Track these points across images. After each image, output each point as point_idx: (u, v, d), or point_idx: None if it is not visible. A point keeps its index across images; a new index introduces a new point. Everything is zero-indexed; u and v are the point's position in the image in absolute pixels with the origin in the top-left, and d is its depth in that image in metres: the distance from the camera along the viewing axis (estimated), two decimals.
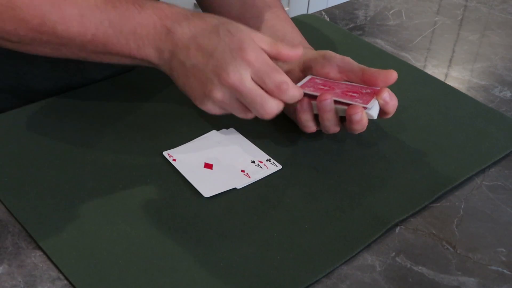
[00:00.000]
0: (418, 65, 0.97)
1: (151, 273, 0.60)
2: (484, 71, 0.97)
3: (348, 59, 0.75)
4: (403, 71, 0.93)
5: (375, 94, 0.71)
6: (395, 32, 1.06)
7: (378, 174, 0.73)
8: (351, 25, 1.07)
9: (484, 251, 0.66)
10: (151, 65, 0.72)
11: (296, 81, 0.74)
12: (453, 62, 0.99)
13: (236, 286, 0.59)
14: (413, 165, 0.75)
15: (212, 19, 0.69)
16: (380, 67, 0.74)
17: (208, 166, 0.72)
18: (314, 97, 0.71)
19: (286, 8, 2.45)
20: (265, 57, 0.67)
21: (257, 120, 0.71)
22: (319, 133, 0.77)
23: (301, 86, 0.73)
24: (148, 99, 0.83)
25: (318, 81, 0.74)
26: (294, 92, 0.68)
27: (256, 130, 0.78)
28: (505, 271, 0.64)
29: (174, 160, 0.73)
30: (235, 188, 0.70)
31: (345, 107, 0.70)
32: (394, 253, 0.65)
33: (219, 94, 0.67)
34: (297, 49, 0.70)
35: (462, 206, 0.71)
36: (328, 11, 1.11)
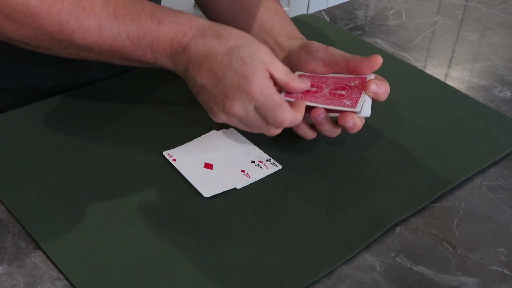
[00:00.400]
0: (418, 65, 0.97)
1: (151, 273, 0.60)
2: (484, 71, 0.97)
3: (331, 51, 0.74)
4: (403, 71, 0.93)
5: (364, 86, 0.71)
6: (395, 32, 1.06)
7: (378, 174, 0.73)
8: (351, 25, 1.07)
9: (484, 251, 0.66)
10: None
11: None
12: (453, 62, 0.99)
13: (236, 286, 0.59)
14: (413, 165, 0.75)
15: (229, 39, 0.69)
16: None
17: (208, 166, 0.72)
18: (306, 107, 0.72)
19: (286, 8, 2.45)
20: (271, 90, 0.68)
21: None
22: (319, 134, 0.77)
23: (291, 91, 0.72)
24: (149, 99, 0.83)
25: (305, 78, 0.74)
26: (293, 124, 0.71)
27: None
28: (505, 271, 0.64)
29: (174, 160, 0.73)
30: (235, 188, 0.70)
31: (337, 114, 0.71)
32: (394, 253, 0.65)
33: (224, 118, 0.70)
34: (305, 84, 0.72)
35: (462, 206, 0.71)
36: (328, 11, 1.11)
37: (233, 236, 0.64)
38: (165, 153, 0.74)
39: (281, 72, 0.70)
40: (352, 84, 0.72)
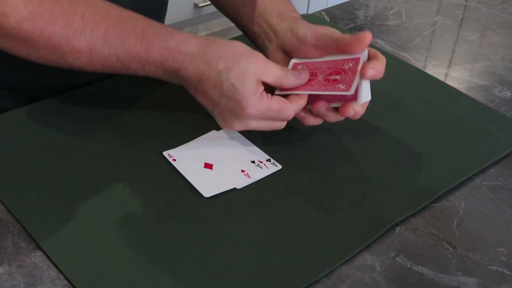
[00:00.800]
0: (418, 65, 0.97)
1: (151, 273, 0.60)
2: (484, 71, 0.97)
3: (320, 32, 0.74)
4: (403, 71, 0.93)
5: (361, 72, 0.70)
6: (395, 32, 1.06)
7: (378, 174, 0.73)
8: (351, 25, 1.07)
9: (484, 251, 0.66)
10: None
11: (280, 63, 0.76)
12: (453, 62, 0.99)
13: (236, 286, 0.59)
14: (413, 165, 0.75)
15: (218, 63, 0.69)
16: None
17: (208, 166, 0.72)
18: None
19: None
20: (266, 105, 0.69)
21: None
22: (319, 133, 0.77)
23: (287, 89, 0.73)
24: (149, 99, 0.83)
25: (301, 67, 0.75)
26: (298, 111, 0.72)
27: (256, 130, 0.78)
28: (505, 271, 0.64)
29: (174, 160, 0.73)
30: (235, 188, 0.70)
31: (339, 104, 0.72)
32: (394, 253, 0.65)
33: (229, 130, 0.73)
34: (300, 80, 0.72)
35: (462, 206, 0.71)
36: (328, 11, 1.11)
37: (233, 236, 0.64)
38: (165, 153, 0.74)
39: (274, 77, 0.70)
40: (346, 67, 0.71)
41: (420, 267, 0.63)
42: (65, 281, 0.59)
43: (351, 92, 0.69)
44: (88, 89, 0.84)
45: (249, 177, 0.71)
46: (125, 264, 0.60)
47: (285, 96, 0.72)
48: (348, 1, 1.15)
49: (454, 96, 0.89)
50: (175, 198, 0.68)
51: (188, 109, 0.80)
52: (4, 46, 0.70)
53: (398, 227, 0.68)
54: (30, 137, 0.75)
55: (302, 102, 0.72)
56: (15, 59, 0.73)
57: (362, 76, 0.70)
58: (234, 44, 0.71)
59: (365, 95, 0.71)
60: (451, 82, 0.93)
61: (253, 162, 0.73)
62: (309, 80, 0.73)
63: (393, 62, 0.95)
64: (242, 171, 0.72)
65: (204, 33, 1.88)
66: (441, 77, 0.95)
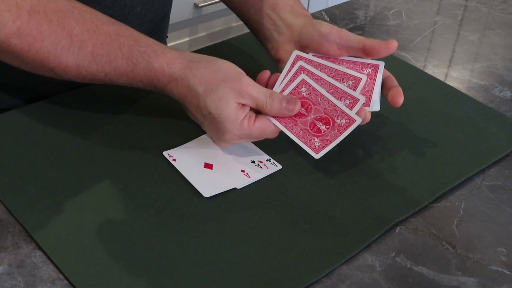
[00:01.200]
0: (418, 65, 0.97)
1: (151, 273, 0.60)
2: (484, 71, 0.97)
3: (346, 34, 0.75)
4: (403, 71, 0.93)
5: (392, 99, 0.72)
6: (395, 32, 1.06)
7: (378, 174, 0.73)
8: (351, 25, 1.07)
9: (484, 251, 0.66)
10: None
11: (289, 56, 0.75)
12: (453, 62, 0.99)
13: (236, 286, 0.59)
14: (413, 165, 0.75)
15: (197, 88, 0.69)
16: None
17: (208, 166, 0.72)
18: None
19: None
20: (246, 132, 0.69)
21: None
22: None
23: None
24: (148, 99, 0.83)
25: (304, 89, 0.73)
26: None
27: None
28: (505, 271, 0.64)
29: (174, 160, 0.73)
30: (235, 188, 0.70)
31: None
32: (394, 253, 0.65)
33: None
34: (288, 109, 0.70)
35: (462, 206, 0.71)
36: (328, 11, 1.11)
37: (233, 236, 0.64)
38: (165, 153, 0.74)
39: (255, 102, 0.69)
40: (339, 122, 0.70)
41: (420, 267, 0.63)
42: (65, 281, 0.59)
43: (318, 156, 0.69)
44: (88, 89, 0.84)
45: (249, 177, 0.71)
46: (125, 264, 0.60)
47: None
48: (348, 1, 1.15)
49: (454, 96, 0.89)
50: (175, 198, 0.68)
51: None
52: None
53: (398, 227, 0.68)
54: (30, 137, 0.75)
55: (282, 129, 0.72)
56: None
57: (395, 105, 0.73)
58: (218, 67, 0.70)
59: (376, 104, 0.73)
60: (451, 82, 0.93)
61: (253, 162, 0.73)
62: (299, 115, 0.71)
63: (393, 62, 0.95)
64: (242, 171, 0.72)
65: (204, 33, 1.88)
66: (441, 77, 0.95)
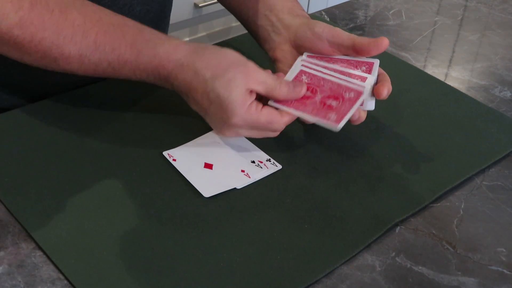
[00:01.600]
0: (418, 65, 0.97)
1: (151, 273, 0.60)
2: (484, 71, 0.97)
3: (338, 32, 0.75)
4: (403, 71, 0.93)
5: (376, 92, 0.71)
6: (395, 32, 1.06)
7: (378, 174, 0.73)
8: (351, 25, 1.07)
9: (484, 251, 0.66)
10: None
11: (287, 56, 0.77)
12: (453, 62, 0.99)
13: (236, 286, 0.59)
14: (413, 165, 0.75)
15: (205, 73, 0.69)
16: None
17: (208, 166, 0.72)
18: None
19: None
20: (254, 116, 0.69)
21: None
22: (319, 133, 0.77)
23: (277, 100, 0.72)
24: (149, 99, 0.83)
25: (305, 77, 0.74)
26: (289, 123, 0.72)
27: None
28: (505, 271, 0.64)
29: (174, 160, 0.73)
30: (235, 188, 0.70)
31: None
32: (394, 253, 0.65)
33: (222, 136, 0.74)
34: (296, 92, 0.71)
35: (462, 206, 0.71)
36: (328, 11, 1.11)
37: (233, 236, 0.64)
38: (165, 153, 0.74)
39: (265, 86, 0.70)
40: (347, 95, 0.71)
41: (420, 267, 0.63)
42: (65, 281, 0.59)
43: (338, 127, 0.69)
44: (88, 89, 0.84)
45: (249, 177, 0.71)
46: (125, 264, 0.60)
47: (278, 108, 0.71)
48: (348, 1, 1.15)
49: (454, 96, 0.89)
50: (175, 198, 0.68)
51: (188, 109, 0.80)
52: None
53: (398, 227, 0.68)
54: (30, 137, 0.75)
55: (293, 116, 0.71)
56: None
57: (378, 97, 0.72)
58: (224, 53, 0.71)
59: (371, 104, 0.73)
60: (451, 82, 0.93)
61: (253, 162, 0.73)
62: (306, 97, 0.72)
63: (393, 62, 0.95)
64: (242, 171, 0.72)
65: (204, 33, 1.88)
66: (441, 77, 0.95)
